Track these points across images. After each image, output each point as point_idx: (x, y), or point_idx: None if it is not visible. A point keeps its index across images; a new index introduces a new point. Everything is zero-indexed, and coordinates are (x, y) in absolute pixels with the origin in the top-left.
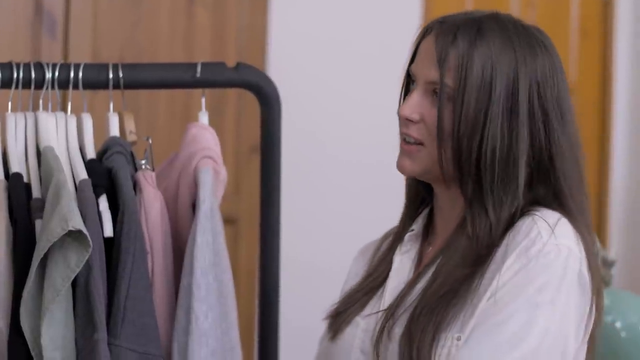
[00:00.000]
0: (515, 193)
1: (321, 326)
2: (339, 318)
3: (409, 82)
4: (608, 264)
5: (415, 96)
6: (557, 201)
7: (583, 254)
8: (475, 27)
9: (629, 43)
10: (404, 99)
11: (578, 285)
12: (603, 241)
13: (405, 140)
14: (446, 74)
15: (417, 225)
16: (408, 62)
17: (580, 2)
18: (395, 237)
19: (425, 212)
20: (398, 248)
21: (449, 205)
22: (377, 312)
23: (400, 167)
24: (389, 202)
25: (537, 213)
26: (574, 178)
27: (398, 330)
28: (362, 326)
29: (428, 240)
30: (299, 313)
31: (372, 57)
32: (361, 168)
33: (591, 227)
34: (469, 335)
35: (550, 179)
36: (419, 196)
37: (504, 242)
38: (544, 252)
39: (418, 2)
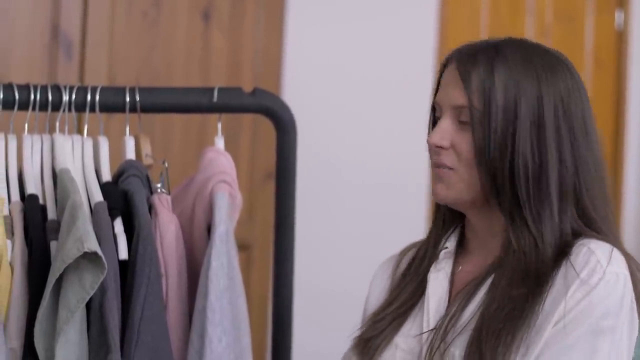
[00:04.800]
0: (551, 206)
1: (334, 351)
2: (375, 341)
3: (435, 114)
4: None
5: (443, 123)
6: (585, 221)
7: (634, 281)
8: (493, 48)
9: None
10: (432, 120)
11: (631, 312)
12: None
13: (436, 166)
14: (472, 96)
15: (451, 244)
16: (433, 94)
17: (594, 32)
18: (425, 254)
19: (458, 230)
20: (433, 265)
21: (485, 228)
22: (422, 333)
23: (435, 195)
24: (404, 226)
25: (591, 243)
26: (599, 195)
27: (458, 352)
28: (402, 346)
29: (458, 260)
30: (312, 338)
31: (386, 82)
32: (376, 193)
33: (622, 245)
34: None
35: (576, 195)
36: (448, 215)
37: (562, 269)
38: (604, 280)
39: (432, 29)
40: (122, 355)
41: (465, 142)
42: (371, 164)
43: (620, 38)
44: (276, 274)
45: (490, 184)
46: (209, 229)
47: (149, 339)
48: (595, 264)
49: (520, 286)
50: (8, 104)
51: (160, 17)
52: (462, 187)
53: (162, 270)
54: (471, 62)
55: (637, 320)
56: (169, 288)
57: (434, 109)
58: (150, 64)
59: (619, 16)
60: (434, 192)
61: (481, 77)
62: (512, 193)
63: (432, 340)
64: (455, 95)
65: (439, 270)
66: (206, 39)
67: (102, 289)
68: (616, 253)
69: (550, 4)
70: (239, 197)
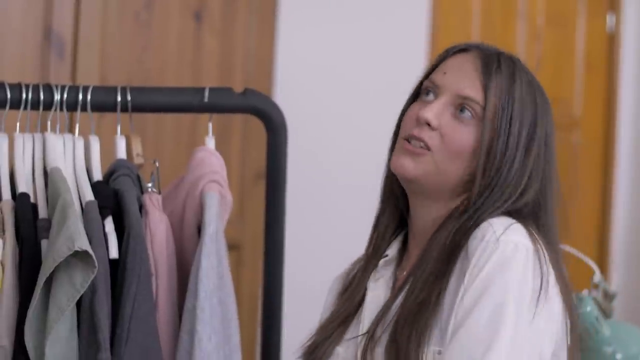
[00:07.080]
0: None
1: None
2: (318, 352)
3: (419, 89)
4: (609, 297)
5: (439, 104)
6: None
7: (541, 253)
8: (511, 60)
9: (634, 77)
10: (411, 102)
11: (542, 283)
12: (604, 274)
13: (408, 141)
14: (488, 94)
15: (392, 251)
16: (428, 70)
17: (585, 35)
18: (367, 262)
19: (400, 237)
20: (372, 274)
21: (424, 218)
22: (356, 336)
23: (399, 167)
24: None
25: (493, 219)
26: (552, 204)
27: (380, 349)
28: (342, 354)
29: (402, 265)
30: (301, 338)
31: (378, 84)
32: (366, 193)
33: (558, 242)
34: (446, 348)
35: (535, 203)
36: (394, 220)
37: (464, 249)
38: (500, 250)
39: (424, 32)
40: (111, 354)
41: (457, 133)
42: (362, 164)
43: (612, 41)
44: (266, 274)
45: (465, 180)
46: (199, 229)
47: (138, 338)
48: (490, 235)
49: (433, 272)
50: (0, 103)
51: (152, 18)
52: (430, 170)
53: (152, 269)
54: (495, 67)
55: (556, 295)
56: (159, 287)
57: (421, 84)
58: (142, 65)
59: (610, 19)
60: (397, 165)
61: (503, 83)
62: (486, 191)
63: (364, 343)
64: (466, 87)
65: (378, 279)
66: (198, 40)
67: (93, 288)
68: (517, 226)
69: (542, 8)
70: (229, 197)
